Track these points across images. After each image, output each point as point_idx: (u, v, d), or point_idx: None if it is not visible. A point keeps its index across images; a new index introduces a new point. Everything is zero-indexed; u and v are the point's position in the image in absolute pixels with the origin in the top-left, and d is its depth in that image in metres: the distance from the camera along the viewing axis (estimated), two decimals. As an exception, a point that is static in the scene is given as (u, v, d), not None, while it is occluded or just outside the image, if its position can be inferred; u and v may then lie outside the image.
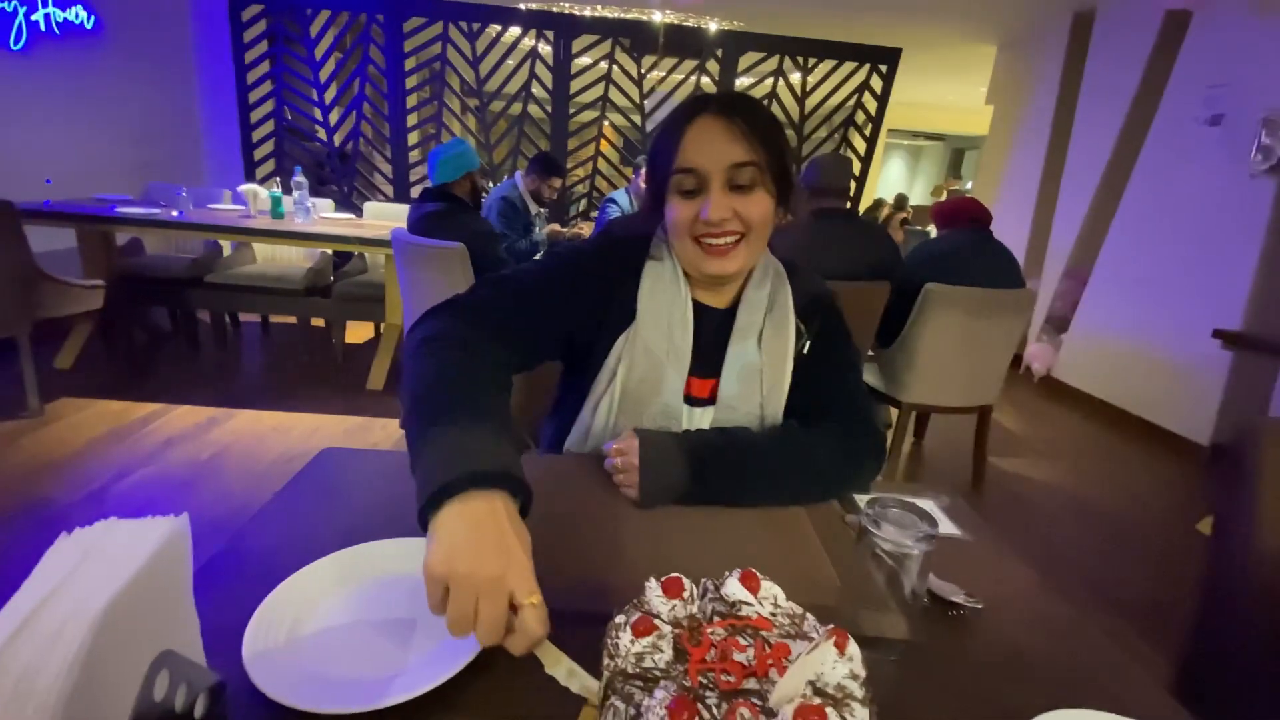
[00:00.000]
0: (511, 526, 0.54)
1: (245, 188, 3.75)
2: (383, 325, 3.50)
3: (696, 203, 0.85)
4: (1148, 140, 3.93)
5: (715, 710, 0.37)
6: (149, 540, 0.37)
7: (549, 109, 5.34)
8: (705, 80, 5.39)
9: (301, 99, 5.19)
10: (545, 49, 5.20)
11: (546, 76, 5.25)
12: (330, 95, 5.15)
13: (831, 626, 0.40)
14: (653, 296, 0.91)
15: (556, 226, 4.15)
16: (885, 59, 5.32)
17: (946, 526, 0.82)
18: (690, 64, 5.35)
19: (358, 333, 4.34)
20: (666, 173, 0.86)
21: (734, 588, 0.47)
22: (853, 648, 0.39)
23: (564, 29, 5.11)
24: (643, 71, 5.30)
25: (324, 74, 5.07)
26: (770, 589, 0.47)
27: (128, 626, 0.33)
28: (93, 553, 0.36)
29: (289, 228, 3.31)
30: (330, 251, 3.89)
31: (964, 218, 2.52)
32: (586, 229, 4.34)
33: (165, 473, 2.30)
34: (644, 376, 0.91)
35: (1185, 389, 3.47)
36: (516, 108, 5.30)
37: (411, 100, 5.23)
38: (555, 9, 5.32)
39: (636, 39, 5.19)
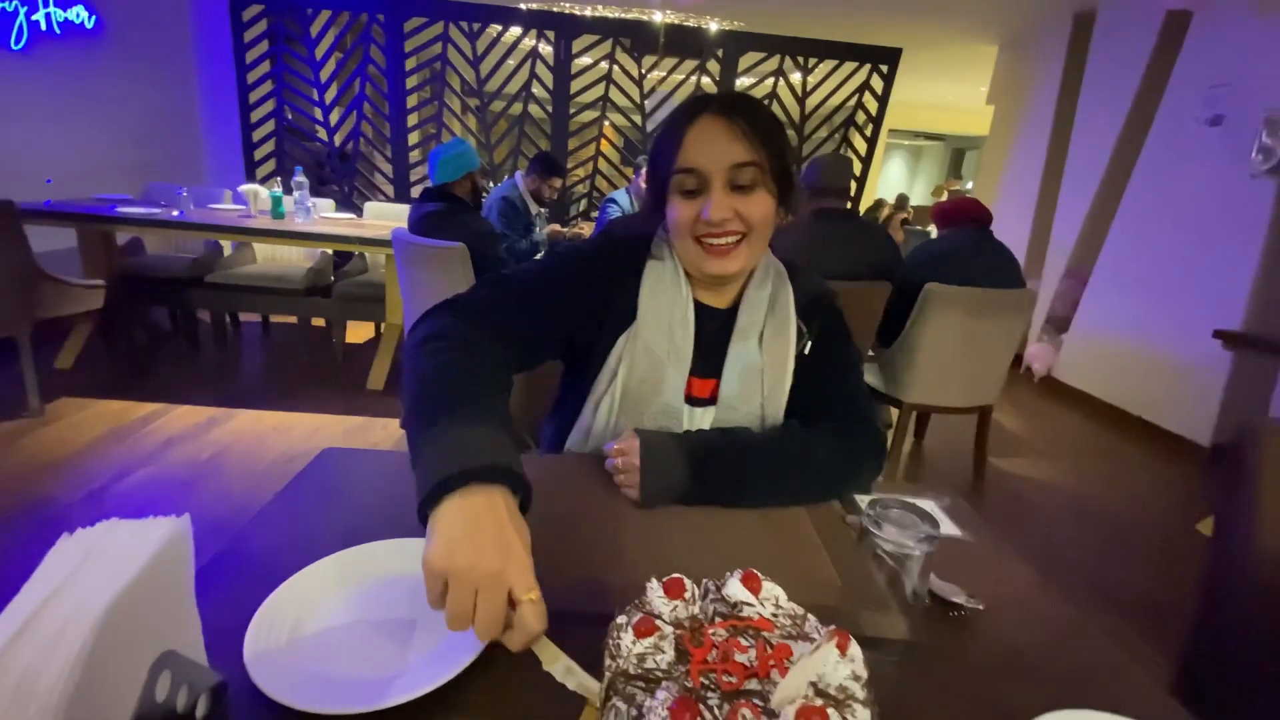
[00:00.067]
0: (511, 522, 0.54)
1: (246, 188, 3.75)
2: (383, 325, 3.50)
3: (698, 203, 0.85)
4: (1148, 140, 3.93)
5: (717, 711, 0.37)
6: (151, 541, 0.37)
7: (549, 109, 5.34)
8: (706, 80, 5.38)
9: (302, 99, 5.19)
10: (546, 49, 5.20)
11: (547, 76, 5.25)
12: (331, 95, 5.15)
13: (833, 627, 0.40)
14: (654, 296, 0.91)
15: (557, 226, 4.16)
16: (886, 59, 5.32)
17: (947, 527, 0.82)
18: (691, 64, 5.35)
19: (358, 333, 4.34)
20: (668, 173, 0.86)
21: (735, 588, 0.47)
22: (854, 649, 0.39)
23: (564, 29, 5.11)
24: (643, 71, 5.30)
25: (324, 74, 5.07)
26: (772, 590, 0.47)
27: (130, 627, 0.34)
28: (94, 553, 0.36)
29: (289, 228, 3.31)
30: (330, 251, 3.89)
31: (964, 218, 2.52)
32: (587, 229, 4.35)
33: (165, 473, 2.30)
34: (645, 376, 0.91)
35: (1185, 389, 3.47)
36: (517, 108, 5.30)
37: (412, 100, 5.23)
38: (556, 9, 5.32)
39: (637, 39, 5.19)
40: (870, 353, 2.68)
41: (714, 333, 0.94)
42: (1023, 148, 5.24)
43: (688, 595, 0.47)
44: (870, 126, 5.51)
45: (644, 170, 3.50)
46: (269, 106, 5.15)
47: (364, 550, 0.64)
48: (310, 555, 0.62)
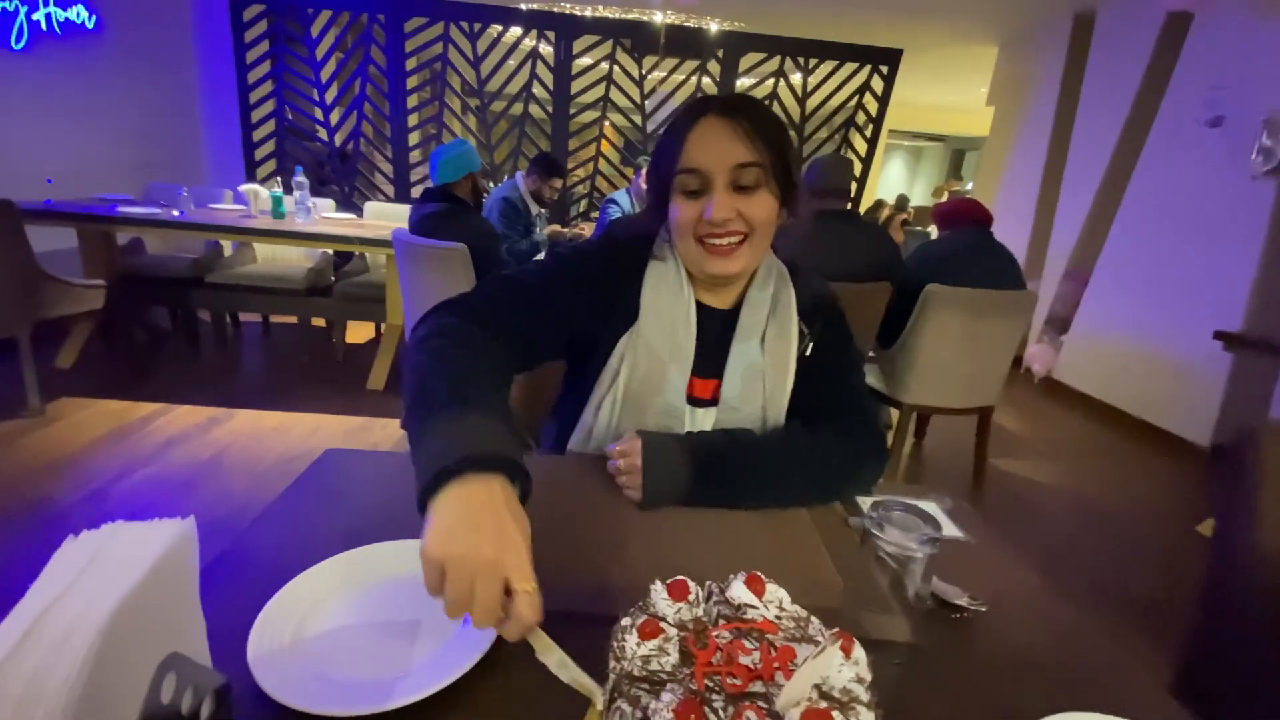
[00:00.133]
0: (509, 511, 0.53)
1: (246, 187, 3.75)
2: (383, 325, 3.50)
3: (700, 203, 0.85)
4: (1148, 141, 3.93)
5: (722, 713, 0.37)
6: (156, 543, 0.37)
7: (550, 109, 5.34)
8: (706, 81, 5.39)
9: (302, 99, 5.19)
10: (546, 49, 5.21)
11: (547, 77, 5.25)
12: (331, 95, 5.15)
13: (837, 630, 0.40)
14: (656, 296, 0.91)
15: (557, 227, 4.16)
16: (886, 60, 5.32)
17: (949, 529, 0.82)
18: (691, 64, 5.35)
19: (358, 333, 4.34)
20: (670, 173, 0.87)
21: (739, 590, 0.47)
22: (858, 651, 0.39)
23: (565, 29, 5.11)
24: (644, 72, 5.30)
25: (325, 74, 5.07)
26: (775, 592, 0.48)
27: (135, 629, 0.34)
28: (100, 556, 0.36)
29: (290, 228, 3.31)
30: (331, 252, 3.89)
31: (965, 219, 2.53)
32: (587, 229, 4.34)
33: (166, 473, 2.30)
34: (646, 376, 0.91)
35: (1186, 390, 3.47)
36: (517, 108, 5.30)
37: (412, 100, 5.23)
38: (556, 9, 5.32)
39: (637, 39, 5.19)
40: (871, 354, 2.68)
41: (716, 333, 0.94)
42: (1023, 149, 5.25)
43: (691, 597, 0.47)
44: (870, 127, 5.51)
45: (644, 171, 3.50)
46: (269, 106, 5.15)
47: (367, 552, 0.64)
48: (313, 557, 0.62)
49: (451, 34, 5.07)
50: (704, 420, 0.94)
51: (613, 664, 0.42)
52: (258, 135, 5.18)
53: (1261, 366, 3.08)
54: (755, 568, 0.50)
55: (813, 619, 0.47)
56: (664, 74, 5.37)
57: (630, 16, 5.34)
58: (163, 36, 4.64)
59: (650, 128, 5.45)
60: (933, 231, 2.98)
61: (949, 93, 8.58)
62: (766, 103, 0.90)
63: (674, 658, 0.42)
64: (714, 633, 0.44)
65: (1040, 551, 2.37)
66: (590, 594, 0.62)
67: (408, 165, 5.34)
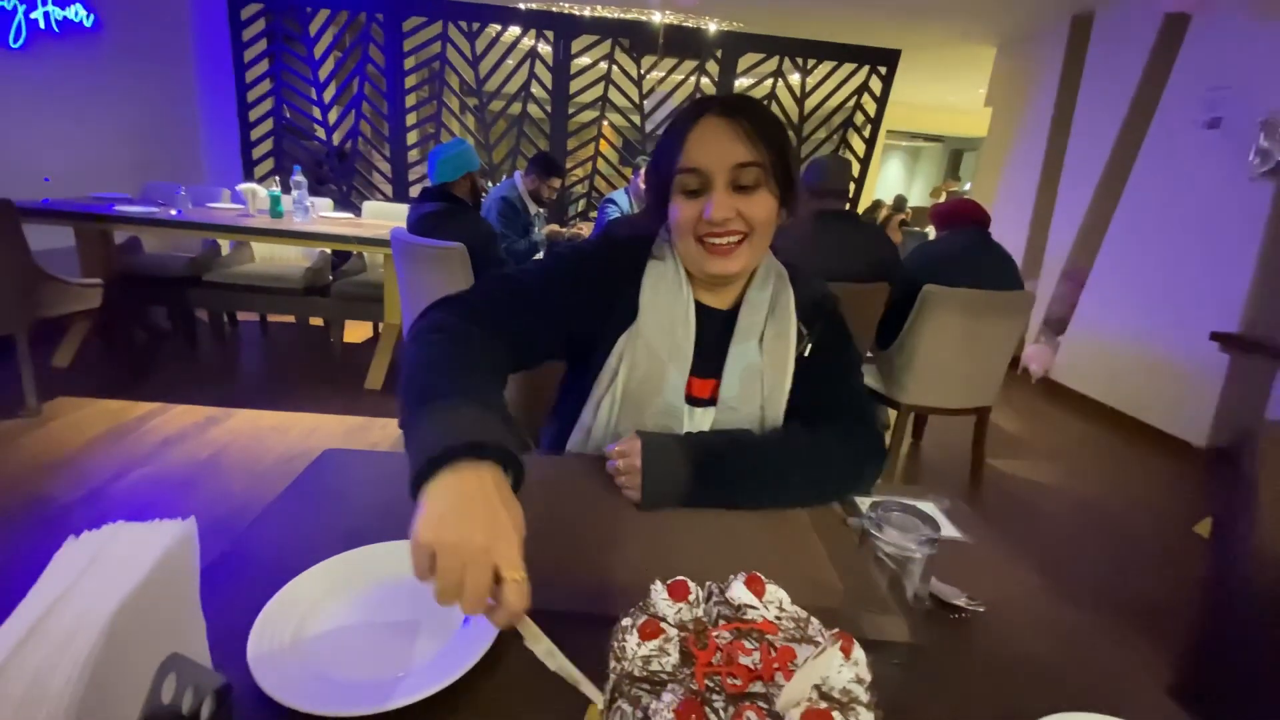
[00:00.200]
0: (500, 499, 0.54)
1: (244, 186, 3.74)
2: (381, 325, 3.50)
3: (700, 202, 0.85)
4: (1146, 142, 3.94)
5: (722, 713, 0.37)
6: (156, 544, 0.37)
7: (548, 109, 5.34)
8: (705, 81, 5.39)
9: (301, 98, 5.19)
10: (545, 49, 5.21)
11: (546, 76, 5.25)
12: (329, 94, 5.14)
13: (836, 630, 0.40)
14: (655, 296, 0.91)
15: (556, 227, 4.15)
16: (884, 60, 5.33)
17: (947, 529, 0.82)
18: (690, 64, 5.35)
19: (356, 332, 4.34)
20: (670, 172, 0.87)
21: (739, 591, 0.47)
22: (858, 652, 0.39)
23: (563, 29, 5.11)
24: (642, 72, 5.30)
25: (323, 73, 5.06)
26: (775, 592, 0.48)
27: (136, 630, 0.34)
28: (101, 557, 0.36)
29: (288, 227, 3.31)
30: (329, 251, 3.88)
31: (963, 219, 2.53)
32: (586, 229, 4.34)
33: (164, 472, 2.30)
34: (645, 376, 0.91)
35: (1183, 391, 3.48)
36: (516, 107, 5.30)
37: (411, 100, 5.22)
38: (555, 9, 5.32)
39: (636, 39, 5.19)
40: (869, 354, 2.68)
41: (715, 333, 0.94)
42: (1021, 149, 5.26)
43: (691, 598, 0.47)
44: (869, 128, 5.52)
45: (643, 171, 3.50)
46: (267, 105, 5.14)
47: (366, 552, 0.64)
48: (313, 557, 0.62)
49: (450, 33, 5.07)
50: (702, 420, 0.94)
51: (613, 664, 0.42)
52: (256, 134, 5.17)
53: (1258, 367, 3.09)
54: (755, 568, 0.50)
55: (812, 619, 0.47)
56: (663, 74, 5.37)
57: (629, 16, 5.34)
58: (161, 35, 4.64)
59: (649, 128, 5.45)
60: (931, 232, 2.98)
61: (947, 93, 8.59)
62: (765, 103, 0.90)
63: (674, 658, 0.42)
64: (714, 633, 0.44)
65: (1038, 552, 2.37)
66: (590, 594, 0.62)
67: (406, 164, 5.33)
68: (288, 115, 5.22)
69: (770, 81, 5.33)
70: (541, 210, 3.86)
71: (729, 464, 0.82)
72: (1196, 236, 3.54)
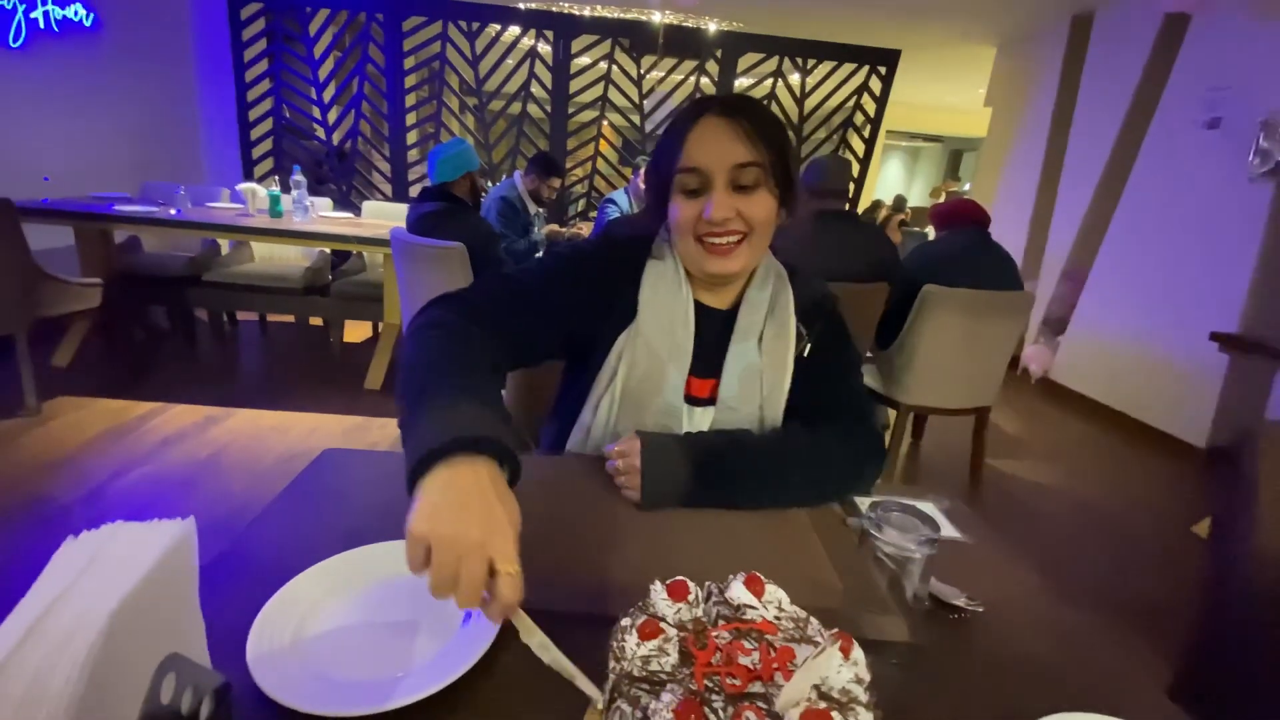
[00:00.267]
0: (496, 493, 0.54)
1: (243, 186, 3.74)
2: (381, 324, 3.50)
3: (699, 202, 0.85)
4: (1146, 143, 3.94)
5: (721, 713, 0.37)
6: (156, 544, 0.37)
7: (548, 109, 5.34)
8: (704, 81, 5.39)
9: (300, 97, 5.19)
10: (545, 49, 5.20)
11: (546, 76, 5.24)
12: (329, 94, 5.14)
13: (836, 631, 0.40)
14: (654, 295, 0.92)
15: (555, 226, 4.16)
16: (884, 60, 5.33)
17: (947, 530, 0.82)
18: (690, 64, 5.35)
19: (356, 332, 4.34)
20: (670, 172, 0.87)
21: (739, 591, 0.47)
22: (857, 652, 0.39)
23: (563, 29, 5.11)
24: (642, 72, 5.30)
25: (323, 72, 5.06)
26: (774, 593, 0.48)
27: (136, 630, 0.34)
28: (100, 556, 0.36)
29: (287, 226, 3.31)
30: (328, 250, 3.88)
31: (962, 219, 2.53)
32: (585, 229, 4.34)
33: (163, 472, 2.29)
34: (645, 375, 0.91)
35: (1182, 391, 3.48)
36: (516, 107, 5.30)
37: (410, 99, 5.22)
38: (555, 9, 5.32)
39: (636, 39, 5.19)
40: (868, 354, 2.68)
41: (714, 333, 0.94)
42: (1021, 149, 5.26)
43: (691, 598, 0.47)
44: (868, 128, 5.52)
45: (643, 170, 3.50)
46: (267, 105, 5.14)
47: (366, 552, 0.64)
48: (312, 557, 0.62)
49: (450, 33, 5.07)
50: (702, 419, 0.94)
51: (612, 664, 0.42)
52: (255, 134, 5.17)
53: (1258, 368, 3.09)
54: (754, 568, 0.50)
55: (812, 619, 0.47)
56: (662, 74, 5.37)
57: (629, 16, 5.33)
58: (161, 35, 4.63)
59: (649, 127, 5.45)
60: (930, 232, 2.98)
61: (947, 93, 8.59)
62: (765, 103, 0.90)
63: (674, 658, 0.42)
64: (713, 633, 0.44)
65: (1038, 552, 2.37)
66: (590, 594, 0.62)
67: (405, 164, 5.33)
68: (287, 115, 5.22)
69: (770, 81, 5.33)
70: (541, 210, 3.86)
71: (728, 464, 0.82)
72: (1196, 236, 3.54)
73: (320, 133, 5.22)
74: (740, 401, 0.93)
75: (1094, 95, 4.48)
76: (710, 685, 0.40)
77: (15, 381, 2.59)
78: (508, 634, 0.53)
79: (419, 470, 0.54)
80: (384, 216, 4.07)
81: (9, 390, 2.63)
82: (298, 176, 3.56)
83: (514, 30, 5.12)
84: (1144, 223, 3.93)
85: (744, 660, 0.41)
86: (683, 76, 5.40)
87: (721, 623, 0.45)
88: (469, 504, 0.52)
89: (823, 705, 0.36)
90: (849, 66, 5.31)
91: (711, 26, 5.49)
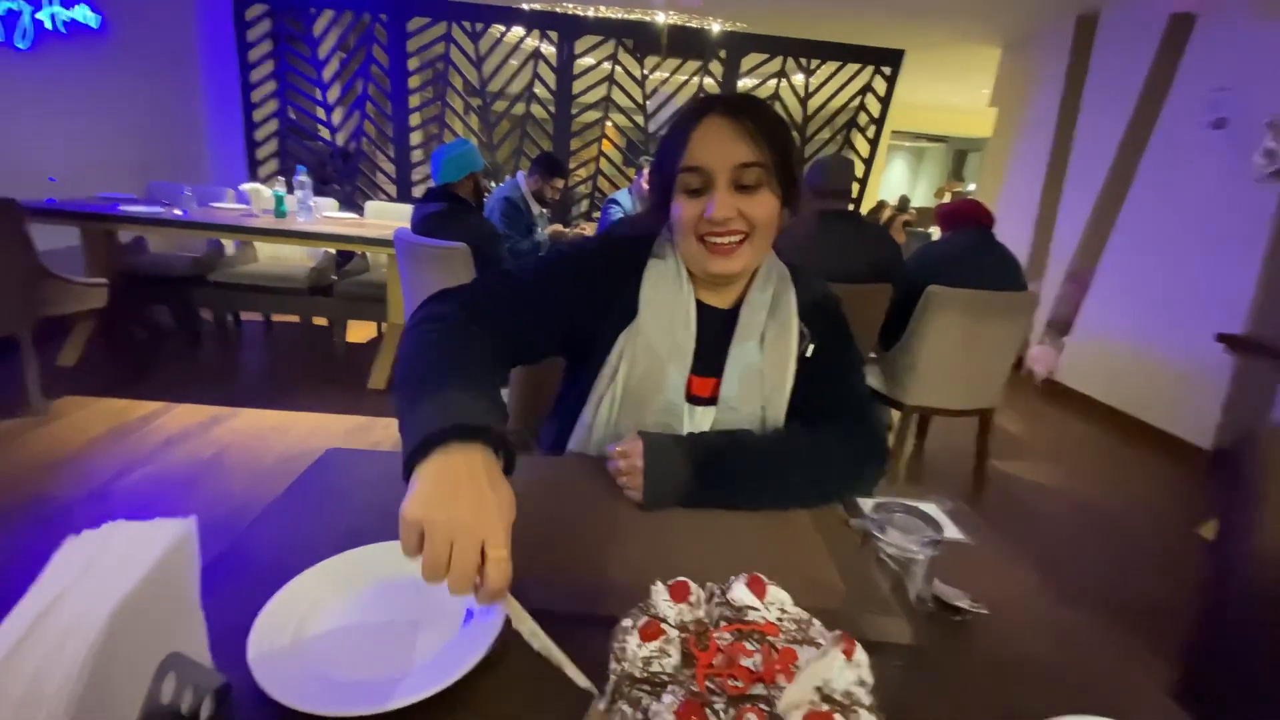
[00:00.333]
0: (488, 479, 0.55)
1: (248, 186, 3.75)
2: (385, 325, 3.50)
3: (702, 202, 0.85)
4: (1151, 143, 3.92)
5: (723, 715, 0.37)
6: (156, 543, 0.37)
7: (552, 109, 5.35)
8: (708, 82, 5.39)
9: (305, 98, 5.20)
10: (548, 49, 5.21)
11: (549, 77, 5.25)
12: (333, 94, 5.16)
13: (839, 633, 0.40)
14: (655, 293, 0.92)
15: (559, 227, 4.16)
16: (888, 61, 5.32)
17: (950, 531, 0.82)
18: (693, 65, 5.35)
19: (359, 332, 4.35)
20: (673, 171, 0.87)
21: (740, 592, 0.47)
22: (860, 654, 0.39)
23: (567, 29, 5.12)
24: (645, 72, 5.30)
25: (327, 73, 5.08)
26: (777, 594, 0.47)
27: (136, 629, 0.33)
28: (100, 555, 0.36)
29: (292, 227, 3.32)
30: (333, 251, 3.89)
31: (967, 220, 2.52)
32: (589, 229, 4.35)
33: (167, 471, 2.30)
34: (646, 374, 0.91)
35: (1188, 393, 3.46)
36: (519, 108, 5.31)
37: (414, 100, 5.23)
38: (558, 9, 5.32)
39: (640, 40, 5.19)
40: (871, 355, 2.68)
41: (716, 332, 0.94)
42: (1025, 150, 5.24)
43: (693, 599, 0.47)
44: (872, 128, 5.52)
45: (646, 171, 3.50)
46: (272, 106, 5.16)
47: (368, 552, 0.64)
48: (314, 556, 0.62)
49: (454, 34, 5.08)
50: (703, 419, 0.94)
51: (614, 665, 0.42)
52: (260, 134, 5.19)
53: (1264, 369, 3.07)
54: (756, 569, 0.50)
55: (814, 621, 0.46)
56: (666, 74, 5.37)
57: (632, 17, 5.34)
58: (166, 36, 4.65)
59: (652, 128, 5.45)
60: (935, 232, 2.97)
61: (951, 93, 8.57)
62: (768, 103, 0.90)
63: (675, 659, 0.42)
64: (715, 634, 0.44)
65: (1041, 554, 2.37)
66: (591, 595, 0.62)
67: (409, 165, 5.34)
68: (292, 116, 5.24)
69: (774, 82, 5.33)
70: (544, 210, 3.86)
71: (730, 464, 0.82)
72: (1202, 237, 3.52)
73: (325, 133, 5.24)
74: (741, 401, 0.93)
75: (1099, 95, 4.46)
76: (712, 687, 0.40)
77: (21, 381, 2.60)
78: (508, 635, 0.53)
79: (414, 457, 0.56)
80: (388, 217, 4.08)
81: (14, 389, 2.64)
82: (302, 177, 3.57)
83: (518, 31, 5.13)
84: (1149, 223, 3.91)
85: (746, 662, 0.41)
86: (686, 77, 5.40)
87: (723, 624, 0.45)
88: (461, 491, 0.53)
89: (825, 707, 0.36)
90: (853, 67, 5.30)
91: (715, 27, 5.48)
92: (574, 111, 5.36)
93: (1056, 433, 3.78)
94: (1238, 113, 3.36)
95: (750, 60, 5.34)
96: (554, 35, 5.13)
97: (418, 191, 5.26)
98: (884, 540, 0.57)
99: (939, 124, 10.69)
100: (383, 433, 2.80)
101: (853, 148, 5.64)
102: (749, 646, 0.42)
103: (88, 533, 0.37)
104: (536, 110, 5.34)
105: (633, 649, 0.42)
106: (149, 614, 0.35)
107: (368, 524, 0.69)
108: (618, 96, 5.31)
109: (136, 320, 3.82)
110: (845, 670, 0.38)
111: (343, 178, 5.32)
